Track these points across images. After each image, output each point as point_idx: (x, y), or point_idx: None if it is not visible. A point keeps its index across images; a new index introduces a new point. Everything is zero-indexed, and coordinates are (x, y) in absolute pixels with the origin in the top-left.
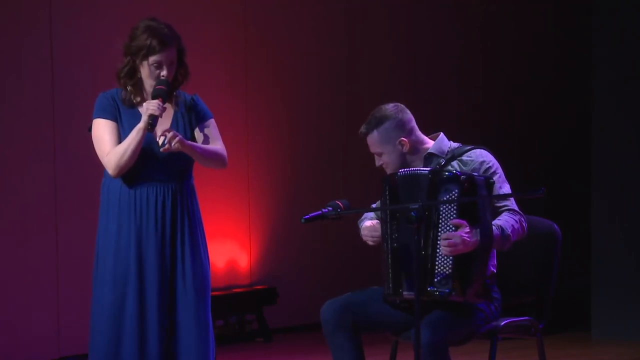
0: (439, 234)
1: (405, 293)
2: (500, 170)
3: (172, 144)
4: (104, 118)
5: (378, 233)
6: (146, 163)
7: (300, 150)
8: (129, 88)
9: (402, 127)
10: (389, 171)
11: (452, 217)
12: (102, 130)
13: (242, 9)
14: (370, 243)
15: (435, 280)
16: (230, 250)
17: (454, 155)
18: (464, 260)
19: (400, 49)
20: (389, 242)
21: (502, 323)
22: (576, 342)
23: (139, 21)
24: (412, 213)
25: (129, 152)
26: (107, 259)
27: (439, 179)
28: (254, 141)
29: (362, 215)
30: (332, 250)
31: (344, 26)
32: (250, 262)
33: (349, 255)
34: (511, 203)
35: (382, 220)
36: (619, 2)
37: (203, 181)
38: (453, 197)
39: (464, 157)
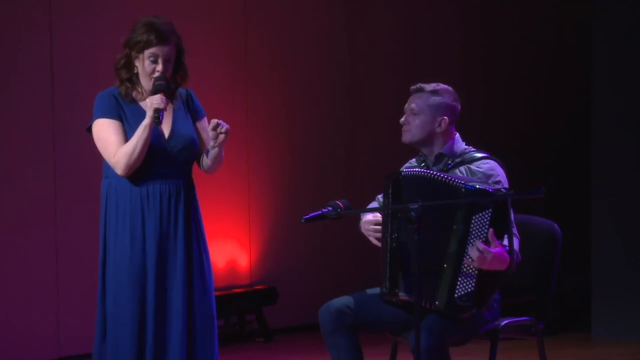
0: (467, 249)
1: (401, 294)
2: (506, 186)
3: (224, 132)
4: (107, 118)
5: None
6: (156, 160)
7: (300, 150)
8: (125, 82)
9: (452, 111)
10: (406, 136)
11: (483, 237)
12: (107, 131)
13: (243, 9)
14: (372, 240)
15: (456, 295)
16: (230, 250)
17: (464, 161)
18: (485, 281)
19: (400, 49)
20: (389, 241)
21: (502, 323)
22: (576, 342)
23: (143, 17)
24: (412, 213)
25: (137, 150)
26: (121, 258)
27: (467, 192)
28: (254, 141)
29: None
30: (332, 251)
31: (344, 26)
32: (250, 262)
33: (349, 256)
34: (514, 228)
35: (383, 219)
36: (619, 1)
37: (203, 181)
38: (486, 216)
39: (473, 166)
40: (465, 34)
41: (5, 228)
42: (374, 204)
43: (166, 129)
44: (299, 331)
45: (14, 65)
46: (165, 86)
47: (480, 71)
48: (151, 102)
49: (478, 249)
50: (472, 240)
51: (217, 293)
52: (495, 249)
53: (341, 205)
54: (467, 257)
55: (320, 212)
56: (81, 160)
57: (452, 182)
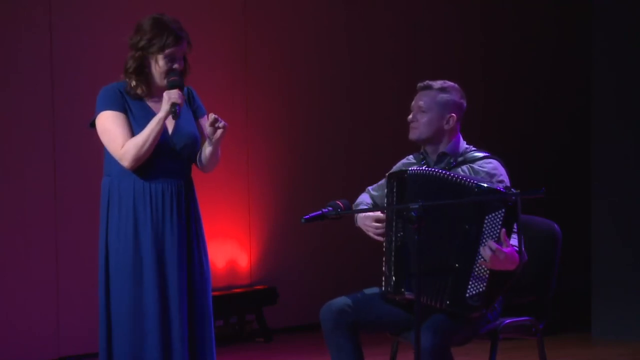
0: (479, 249)
1: (407, 293)
2: (509, 185)
3: (222, 127)
4: (112, 110)
5: (383, 226)
6: (160, 155)
7: (300, 150)
8: (134, 82)
9: (459, 108)
10: (414, 133)
11: (495, 237)
12: (113, 123)
13: (243, 9)
14: (372, 235)
15: (467, 295)
16: (230, 250)
17: (466, 160)
18: (494, 281)
19: (400, 49)
20: (394, 240)
21: (503, 323)
22: (576, 342)
23: (146, 16)
24: (412, 213)
25: (149, 142)
26: (123, 255)
27: (480, 191)
28: (254, 141)
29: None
30: (332, 250)
31: (344, 26)
32: (250, 262)
33: (349, 256)
34: (515, 227)
35: (387, 218)
36: (619, 1)
37: (203, 181)
38: (499, 216)
39: (476, 166)
40: (465, 34)
41: (5, 228)
42: (365, 196)
43: (170, 125)
44: (299, 331)
45: (14, 65)
46: (180, 82)
47: (480, 71)
48: (169, 97)
49: (491, 249)
50: (484, 240)
51: (217, 293)
52: (506, 248)
53: (341, 205)
54: (479, 257)
55: (320, 212)
56: (81, 160)
57: (464, 182)
